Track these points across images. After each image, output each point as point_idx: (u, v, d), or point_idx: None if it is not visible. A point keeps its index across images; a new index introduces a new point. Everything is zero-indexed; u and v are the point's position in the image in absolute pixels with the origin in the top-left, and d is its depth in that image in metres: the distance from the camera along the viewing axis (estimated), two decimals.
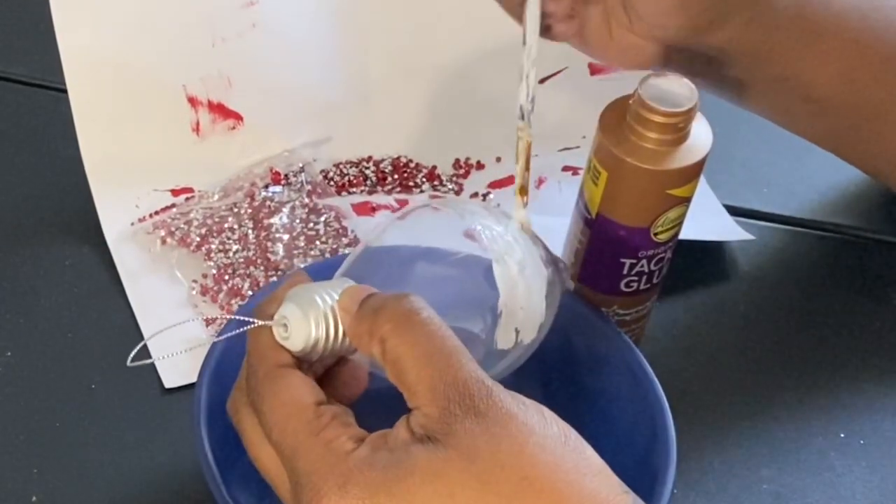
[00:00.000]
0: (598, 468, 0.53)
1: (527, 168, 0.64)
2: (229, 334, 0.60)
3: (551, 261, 0.64)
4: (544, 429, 0.53)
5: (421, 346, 0.54)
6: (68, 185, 0.83)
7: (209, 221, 0.81)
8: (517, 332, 0.61)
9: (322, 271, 0.63)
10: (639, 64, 0.71)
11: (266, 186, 0.83)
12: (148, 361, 0.60)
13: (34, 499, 0.70)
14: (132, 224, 0.82)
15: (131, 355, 0.59)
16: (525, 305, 0.61)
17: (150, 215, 0.82)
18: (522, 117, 0.64)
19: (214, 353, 0.65)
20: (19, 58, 0.91)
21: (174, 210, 0.82)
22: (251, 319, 0.58)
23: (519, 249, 0.62)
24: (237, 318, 0.59)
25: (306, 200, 0.83)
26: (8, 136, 0.87)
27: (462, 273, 0.61)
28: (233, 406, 0.59)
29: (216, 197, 0.83)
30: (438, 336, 0.55)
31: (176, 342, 0.76)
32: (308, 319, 0.57)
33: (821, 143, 0.78)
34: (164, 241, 0.81)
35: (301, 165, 0.85)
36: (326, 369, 0.61)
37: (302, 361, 0.58)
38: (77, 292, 0.79)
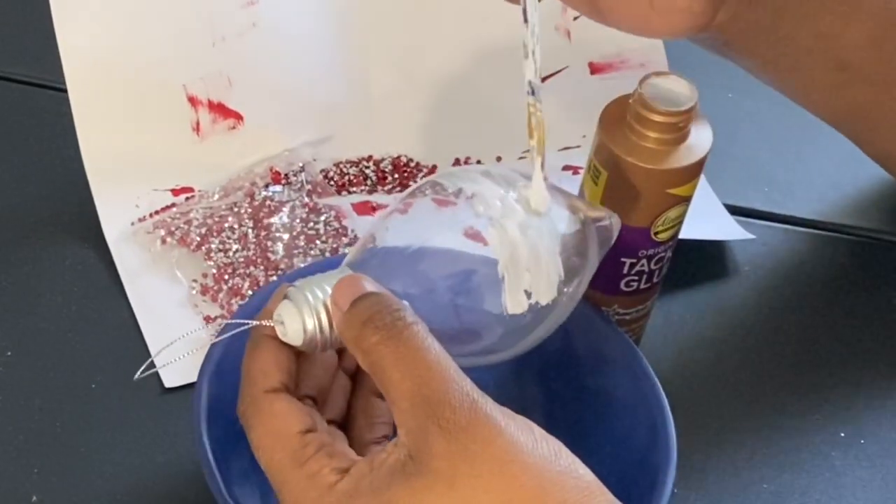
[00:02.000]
0: (588, 486, 0.53)
1: (542, 144, 0.61)
2: (227, 335, 0.60)
3: (586, 215, 0.63)
4: (532, 447, 0.52)
5: (403, 359, 0.54)
6: (68, 185, 0.83)
7: (209, 221, 0.81)
8: (528, 293, 0.60)
9: (322, 271, 0.63)
10: (684, 31, 0.70)
11: (266, 186, 0.83)
12: (152, 371, 0.60)
13: (34, 499, 0.70)
14: (132, 224, 0.82)
15: (138, 373, 0.59)
16: (532, 267, 0.59)
17: (151, 215, 0.82)
18: (532, 93, 0.62)
19: (214, 353, 0.65)
20: (19, 58, 0.91)
21: (174, 210, 0.82)
22: (248, 322, 0.59)
23: (520, 209, 0.60)
24: (236, 321, 0.59)
25: (306, 200, 0.83)
26: (8, 136, 0.87)
27: (464, 255, 0.60)
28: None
29: (216, 196, 0.83)
30: (422, 349, 0.54)
31: (176, 343, 0.76)
32: (301, 313, 0.57)
33: (842, 121, 0.78)
34: (164, 241, 0.81)
35: (301, 165, 0.85)
36: None
37: (311, 364, 0.59)
38: (77, 292, 0.79)
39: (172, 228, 0.81)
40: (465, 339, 0.59)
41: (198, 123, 0.85)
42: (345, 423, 0.63)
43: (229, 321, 0.61)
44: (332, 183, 0.85)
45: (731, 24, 0.70)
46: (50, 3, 0.80)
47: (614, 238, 0.65)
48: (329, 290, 0.57)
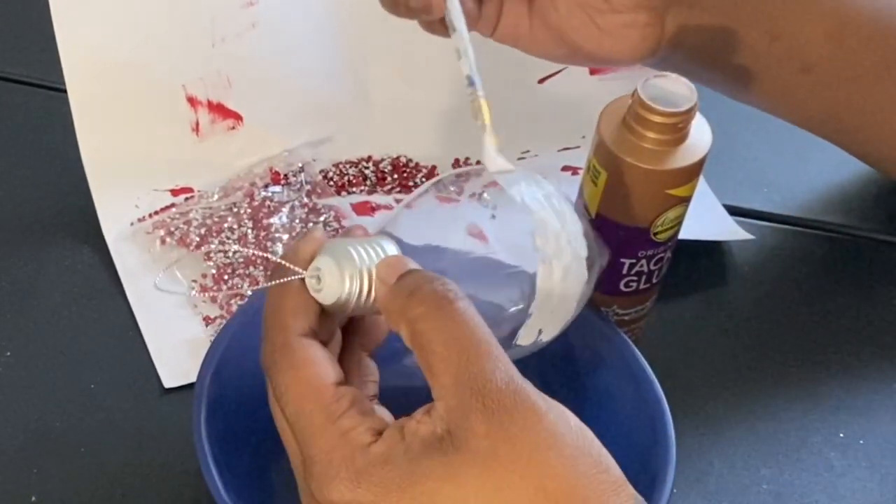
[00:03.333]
0: (617, 482, 0.52)
1: (489, 122, 0.63)
2: (266, 286, 0.57)
3: (594, 256, 0.63)
4: (570, 437, 0.52)
5: (451, 333, 0.52)
6: (68, 185, 0.83)
7: (209, 221, 0.81)
8: (539, 331, 0.60)
9: None
10: (640, 50, 0.71)
11: (266, 186, 0.83)
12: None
13: (34, 499, 0.70)
14: (132, 224, 0.82)
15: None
16: (555, 310, 0.60)
17: (150, 215, 0.82)
18: (471, 84, 0.64)
19: (214, 352, 0.65)
20: (19, 58, 0.91)
21: (174, 210, 0.82)
22: (286, 264, 0.56)
23: (569, 252, 0.60)
24: (276, 259, 0.57)
25: (306, 200, 0.83)
26: (8, 136, 0.87)
27: (496, 270, 0.60)
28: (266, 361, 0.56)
29: (216, 197, 0.83)
30: (470, 326, 0.53)
31: (176, 342, 0.76)
32: (343, 275, 0.55)
33: (824, 127, 0.78)
34: (163, 241, 0.81)
35: (301, 165, 0.85)
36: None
37: (326, 314, 0.57)
38: (77, 292, 0.79)
39: (172, 229, 0.81)
40: None
41: (197, 124, 0.85)
42: None
43: (267, 257, 0.58)
44: (331, 183, 0.85)
45: (682, 35, 0.71)
46: (50, 3, 0.80)
47: (603, 267, 0.65)
48: (374, 256, 0.56)
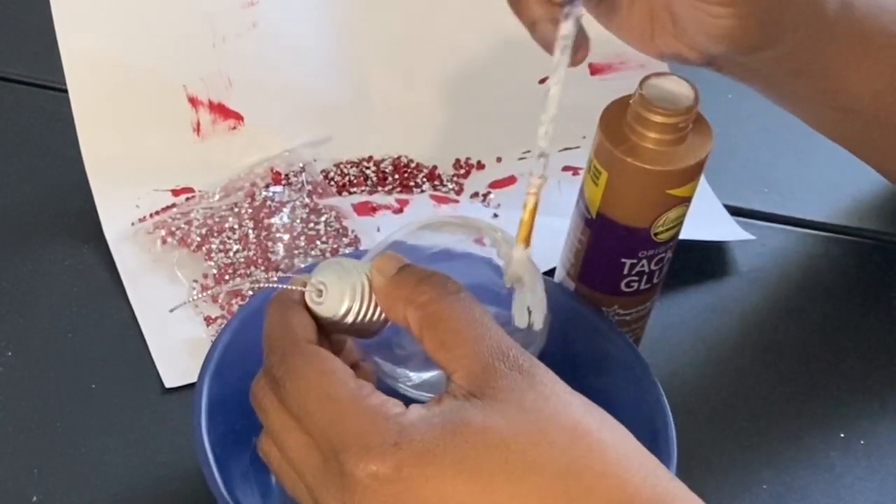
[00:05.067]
0: (644, 453, 0.55)
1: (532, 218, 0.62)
2: (270, 286, 0.59)
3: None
4: (576, 400, 0.54)
5: (462, 313, 0.55)
6: (68, 185, 0.83)
7: (209, 221, 0.81)
8: (529, 311, 0.61)
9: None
10: (677, 61, 0.70)
11: (266, 186, 0.84)
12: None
13: (34, 499, 0.70)
14: (132, 224, 0.82)
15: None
16: (536, 289, 0.62)
17: (151, 215, 0.82)
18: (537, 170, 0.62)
19: (215, 352, 0.65)
20: (19, 58, 0.91)
21: (174, 210, 0.82)
22: (288, 276, 0.58)
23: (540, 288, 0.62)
24: (279, 276, 0.59)
25: (307, 200, 0.83)
26: (8, 136, 0.87)
27: (490, 288, 0.61)
28: (258, 392, 0.56)
29: (216, 197, 0.83)
30: (478, 309, 0.55)
31: (176, 342, 0.76)
32: (345, 286, 0.57)
33: (844, 144, 0.78)
34: (164, 241, 0.81)
35: (301, 165, 0.85)
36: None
37: (322, 335, 0.58)
38: (77, 292, 0.79)
39: (173, 229, 0.81)
40: None
41: (198, 124, 0.85)
42: None
43: (272, 277, 0.59)
44: (332, 183, 0.85)
45: (733, 75, 0.71)
46: (50, 3, 0.81)
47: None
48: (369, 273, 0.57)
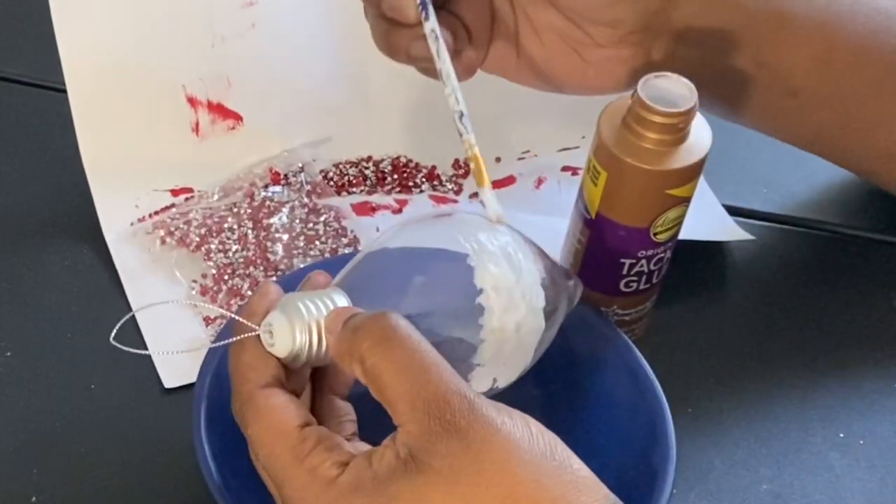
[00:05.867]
0: (584, 481, 0.53)
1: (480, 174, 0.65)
2: (222, 343, 0.60)
3: (559, 297, 0.63)
4: (529, 444, 0.53)
5: (399, 361, 0.54)
6: (68, 185, 0.83)
7: (209, 221, 0.81)
8: (494, 380, 0.61)
9: (332, 265, 0.63)
10: (624, 82, 0.73)
11: (266, 186, 0.83)
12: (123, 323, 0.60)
13: (34, 499, 0.70)
14: (132, 224, 0.82)
15: (113, 332, 0.60)
16: (509, 361, 0.61)
17: (150, 215, 0.82)
18: (463, 132, 0.66)
19: (215, 353, 0.65)
20: (19, 58, 0.91)
21: (174, 210, 0.82)
22: (240, 320, 0.58)
23: (524, 306, 0.61)
24: (231, 315, 0.59)
25: (306, 200, 0.83)
26: (8, 136, 0.87)
27: (463, 314, 0.60)
28: (236, 416, 0.59)
29: (216, 197, 0.83)
30: (417, 351, 0.54)
31: (176, 342, 0.76)
32: (293, 328, 0.57)
33: (812, 146, 0.79)
34: (163, 242, 0.81)
35: (301, 165, 0.85)
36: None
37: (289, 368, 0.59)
38: (77, 292, 0.79)
39: (172, 229, 0.81)
40: None
41: (197, 124, 0.85)
42: None
43: (227, 313, 0.60)
44: (331, 183, 0.85)
45: (669, 64, 0.71)
46: (50, 3, 0.81)
47: (576, 301, 0.66)
48: (322, 309, 0.58)
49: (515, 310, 0.60)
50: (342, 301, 0.58)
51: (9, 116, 0.88)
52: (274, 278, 0.78)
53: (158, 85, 0.84)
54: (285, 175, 0.84)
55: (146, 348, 0.76)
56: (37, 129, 0.87)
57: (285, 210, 0.82)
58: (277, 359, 0.58)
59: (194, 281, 0.79)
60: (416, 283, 0.60)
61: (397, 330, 0.55)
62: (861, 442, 0.75)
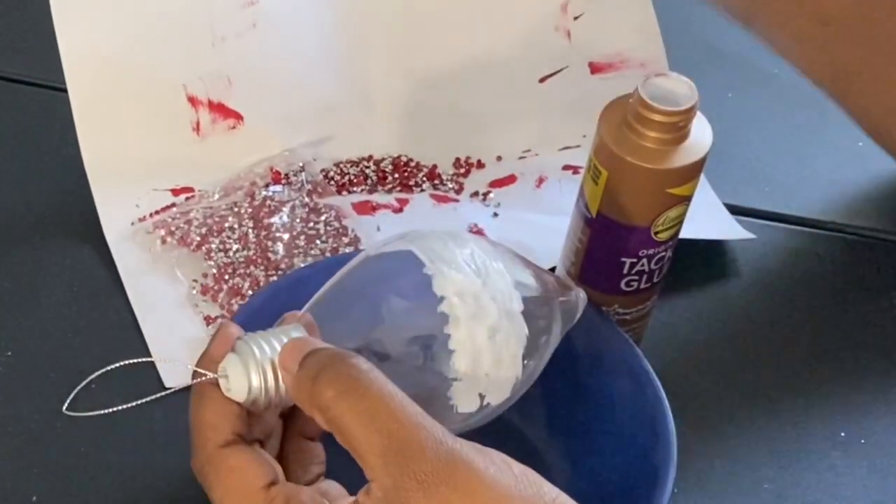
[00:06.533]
0: None
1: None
2: (184, 384, 0.57)
3: (554, 296, 0.61)
4: (513, 488, 0.49)
5: (367, 411, 0.50)
6: (68, 185, 0.83)
7: (209, 221, 0.81)
8: (482, 396, 0.58)
9: (322, 271, 0.63)
10: None
11: (266, 186, 0.83)
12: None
13: (34, 499, 0.70)
14: (132, 224, 0.82)
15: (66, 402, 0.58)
16: (492, 370, 0.58)
17: (151, 215, 0.82)
18: None
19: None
20: (19, 58, 0.91)
21: (174, 209, 0.82)
22: (199, 371, 0.56)
23: (494, 310, 0.57)
24: (194, 369, 0.56)
25: (306, 200, 0.83)
26: (8, 136, 0.87)
27: (428, 326, 0.57)
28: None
29: (216, 196, 0.83)
30: (385, 398, 0.50)
31: (176, 342, 0.76)
32: (247, 370, 0.54)
33: (832, 84, 0.77)
34: (164, 241, 0.81)
35: (301, 165, 0.85)
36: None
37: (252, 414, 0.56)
38: (77, 292, 0.79)
39: (172, 228, 0.81)
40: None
41: (198, 123, 0.85)
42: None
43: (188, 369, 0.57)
44: (332, 183, 0.85)
45: None
46: (50, 3, 0.80)
47: (579, 314, 0.64)
48: (278, 346, 0.55)
49: (485, 315, 0.57)
50: (298, 336, 0.56)
51: (9, 116, 0.88)
52: (274, 278, 0.78)
53: (159, 84, 0.84)
54: (286, 174, 0.84)
55: (146, 348, 0.76)
56: (37, 129, 0.87)
57: (286, 209, 0.82)
58: (240, 406, 0.55)
59: (195, 280, 0.79)
60: (379, 305, 0.57)
61: (360, 377, 0.51)
62: (862, 441, 0.75)
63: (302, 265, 0.79)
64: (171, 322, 0.77)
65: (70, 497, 0.71)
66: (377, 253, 0.60)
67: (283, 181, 0.84)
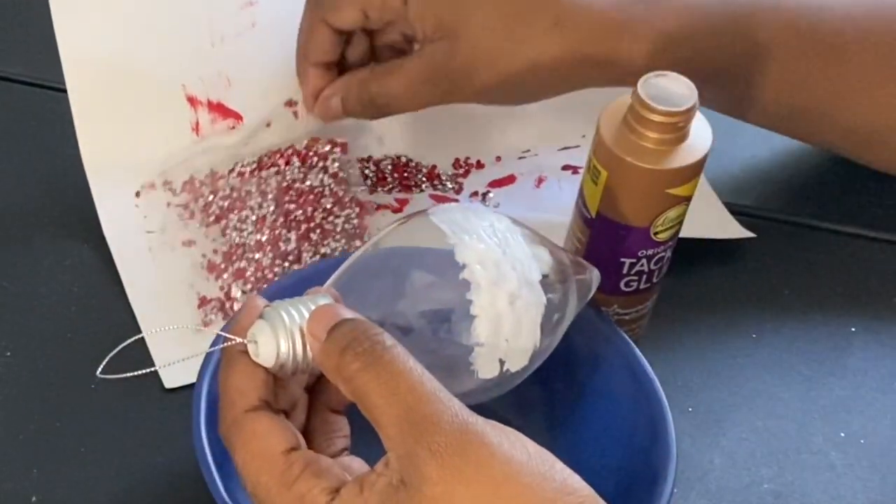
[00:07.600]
0: (586, 500, 0.52)
1: None
2: (215, 347, 0.59)
3: (570, 272, 0.63)
4: (525, 464, 0.51)
5: (388, 385, 0.52)
6: (68, 185, 0.83)
7: (234, 194, 0.80)
8: (502, 362, 0.60)
9: (322, 271, 0.63)
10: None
11: (304, 163, 0.82)
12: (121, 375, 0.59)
13: (34, 499, 0.70)
14: (132, 223, 0.81)
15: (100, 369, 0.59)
16: (511, 337, 0.60)
17: (183, 185, 0.82)
18: None
19: (214, 353, 0.65)
20: (19, 58, 0.91)
21: (204, 176, 0.82)
22: (229, 337, 0.57)
23: (514, 278, 0.60)
24: (220, 333, 0.58)
25: (335, 189, 0.81)
26: (8, 136, 0.87)
27: (450, 293, 0.59)
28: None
29: (252, 161, 0.82)
30: (406, 373, 0.53)
31: (176, 342, 0.76)
32: (276, 335, 0.56)
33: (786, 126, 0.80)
34: (186, 207, 0.81)
35: (338, 152, 0.83)
36: (320, 375, 0.60)
37: (282, 383, 0.58)
38: (77, 292, 0.79)
39: (197, 197, 0.81)
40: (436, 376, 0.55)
41: (197, 123, 0.85)
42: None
43: (216, 332, 0.59)
44: None
45: None
46: (50, 3, 0.81)
47: (593, 292, 0.65)
48: (306, 314, 0.56)
49: (505, 281, 0.59)
50: (325, 303, 0.57)
51: (9, 116, 0.88)
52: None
53: (158, 84, 0.84)
54: (323, 160, 0.83)
55: (146, 348, 0.76)
56: (37, 128, 0.87)
57: (311, 198, 0.81)
58: (268, 373, 0.57)
59: (203, 255, 0.79)
60: (402, 275, 0.59)
61: (384, 353, 0.53)
62: (862, 441, 0.75)
63: (310, 260, 0.78)
64: (172, 322, 0.77)
65: (70, 497, 0.71)
66: (398, 225, 0.62)
67: (319, 168, 0.83)
